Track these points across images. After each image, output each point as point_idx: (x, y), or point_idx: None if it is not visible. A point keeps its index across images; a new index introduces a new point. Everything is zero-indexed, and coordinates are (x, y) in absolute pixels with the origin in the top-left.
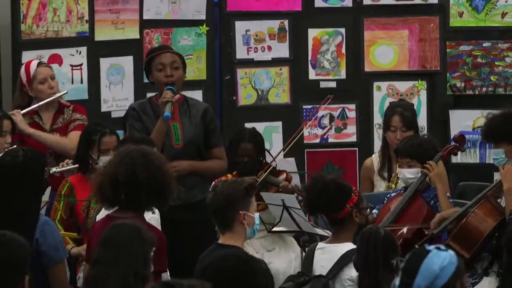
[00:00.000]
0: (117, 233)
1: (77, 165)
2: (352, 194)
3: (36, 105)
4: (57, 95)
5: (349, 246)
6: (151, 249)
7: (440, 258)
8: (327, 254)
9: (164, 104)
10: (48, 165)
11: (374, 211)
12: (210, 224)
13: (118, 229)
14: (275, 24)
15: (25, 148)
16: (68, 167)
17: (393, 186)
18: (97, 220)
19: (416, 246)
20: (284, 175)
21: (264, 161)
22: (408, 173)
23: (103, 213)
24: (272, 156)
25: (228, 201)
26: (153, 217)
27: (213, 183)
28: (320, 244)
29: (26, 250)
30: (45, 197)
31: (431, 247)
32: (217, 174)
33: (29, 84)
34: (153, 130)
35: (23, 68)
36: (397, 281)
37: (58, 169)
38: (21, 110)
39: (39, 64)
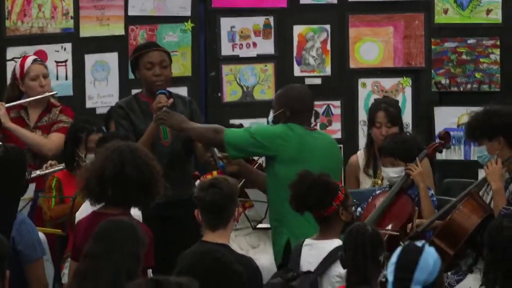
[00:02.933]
0: (112, 228)
1: (61, 167)
2: (339, 191)
3: (23, 100)
4: (46, 94)
5: (336, 242)
6: (144, 249)
7: (432, 254)
8: (315, 251)
9: (159, 109)
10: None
11: (359, 209)
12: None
13: (114, 225)
14: (260, 20)
15: (7, 145)
16: (52, 170)
17: (379, 182)
18: (77, 217)
19: (401, 243)
20: None
21: (251, 157)
22: (392, 172)
23: (84, 210)
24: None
25: (231, 198)
26: (136, 214)
27: (198, 181)
28: (307, 241)
29: (5, 246)
30: (29, 194)
31: (421, 243)
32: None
33: (21, 79)
34: (140, 127)
35: (18, 62)
36: (389, 276)
37: (42, 172)
38: (9, 103)
39: (34, 61)
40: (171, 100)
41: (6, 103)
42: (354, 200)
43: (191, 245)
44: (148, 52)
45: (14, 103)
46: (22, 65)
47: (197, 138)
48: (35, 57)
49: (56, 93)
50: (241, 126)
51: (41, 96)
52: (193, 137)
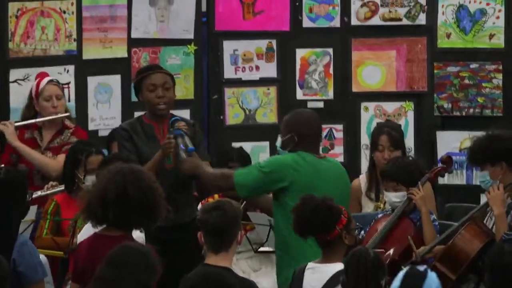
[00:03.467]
0: (126, 254)
1: (62, 188)
2: (342, 215)
3: (33, 120)
4: (57, 116)
5: (339, 266)
6: (154, 279)
7: (434, 279)
8: (317, 274)
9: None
10: (33, 182)
11: (362, 232)
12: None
13: (128, 251)
14: (263, 44)
15: (9, 167)
16: (53, 191)
17: (382, 206)
18: (79, 239)
19: (402, 267)
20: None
21: None
22: (394, 197)
23: (85, 232)
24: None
25: (234, 221)
26: (139, 236)
27: (200, 204)
28: (310, 264)
29: (6, 268)
30: (31, 216)
31: (423, 268)
32: (218, 188)
33: (36, 98)
34: (143, 150)
35: (35, 81)
36: None
37: (43, 193)
38: (23, 121)
39: (50, 81)
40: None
41: (22, 121)
42: (357, 224)
43: (193, 268)
44: (150, 75)
45: (24, 122)
46: (38, 85)
47: (209, 185)
48: (51, 77)
49: (69, 115)
50: (241, 148)
51: (52, 117)
52: (205, 183)
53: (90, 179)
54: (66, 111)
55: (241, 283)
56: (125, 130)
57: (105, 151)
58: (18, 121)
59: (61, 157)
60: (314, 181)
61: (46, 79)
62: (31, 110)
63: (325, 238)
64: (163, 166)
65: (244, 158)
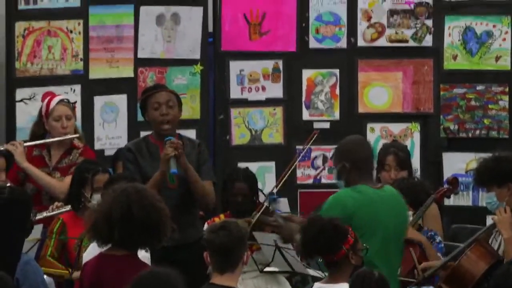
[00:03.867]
0: (151, 280)
1: (67, 209)
2: (349, 235)
3: (42, 141)
4: (66, 137)
5: (345, 286)
6: None
7: None
8: None
9: (167, 160)
10: (42, 202)
11: None
12: (201, 265)
13: (153, 277)
14: (269, 64)
15: (14, 186)
16: (58, 211)
17: None
18: (84, 258)
19: None
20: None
21: (257, 201)
22: None
23: (90, 252)
24: (265, 195)
25: (240, 241)
26: (145, 256)
27: (206, 224)
28: (317, 285)
29: (10, 285)
30: (36, 235)
31: None
32: (201, 194)
33: (46, 117)
34: (146, 170)
35: (46, 100)
36: None
37: (48, 214)
38: (33, 140)
39: (60, 101)
40: (179, 143)
41: (31, 140)
42: (364, 245)
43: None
44: (155, 93)
45: (33, 142)
46: (48, 104)
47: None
48: (62, 97)
49: (78, 136)
50: (247, 169)
51: (61, 138)
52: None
53: (97, 198)
54: (76, 131)
55: None
56: (130, 151)
57: (111, 170)
58: (27, 141)
59: (68, 179)
60: (374, 214)
61: (57, 99)
62: (40, 127)
63: (331, 258)
64: (166, 187)
65: (250, 178)
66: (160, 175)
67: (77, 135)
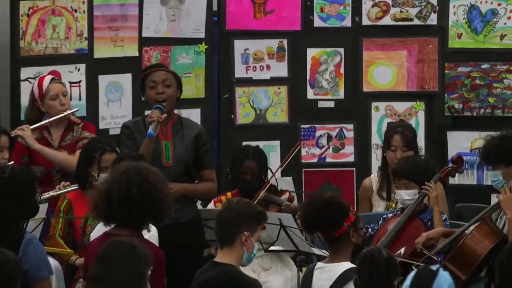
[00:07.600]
0: (111, 250)
1: (73, 188)
2: (350, 213)
3: (46, 121)
4: (68, 112)
5: (347, 265)
6: (147, 267)
7: (447, 278)
8: (326, 274)
9: (150, 123)
10: (53, 181)
11: (369, 230)
12: (197, 244)
13: (112, 246)
14: (274, 43)
15: (16, 166)
16: (65, 190)
17: (393, 205)
18: (91, 238)
19: (413, 267)
20: (286, 195)
21: (266, 179)
22: (406, 195)
23: (98, 231)
24: (273, 173)
25: (237, 217)
26: (152, 235)
27: (212, 201)
28: (319, 264)
29: (17, 266)
30: (42, 214)
31: (435, 267)
32: (207, 197)
33: (41, 99)
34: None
35: (36, 82)
36: None
37: (54, 193)
38: (31, 124)
39: (52, 80)
40: (164, 115)
41: (28, 123)
42: (365, 225)
43: (195, 266)
44: (152, 72)
45: (39, 124)
46: (40, 86)
47: None
48: (52, 76)
49: (77, 110)
50: (257, 147)
51: (64, 114)
52: None
53: (104, 177)
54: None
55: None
56: (127, 128)
57: (118, 149)
58: (32, 124)
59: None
60: None
61: (47, 78)
62: (35, 112)
63: (333, 235)
64: (161, 165)
65: (259, 157)
66: (148, 141)
67: (76, 109)
